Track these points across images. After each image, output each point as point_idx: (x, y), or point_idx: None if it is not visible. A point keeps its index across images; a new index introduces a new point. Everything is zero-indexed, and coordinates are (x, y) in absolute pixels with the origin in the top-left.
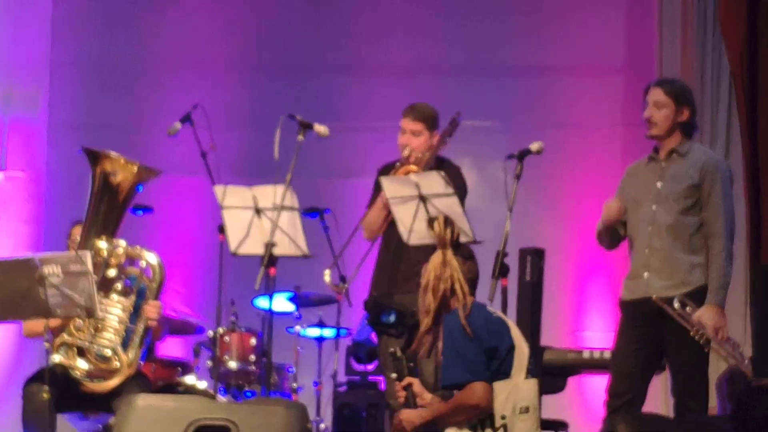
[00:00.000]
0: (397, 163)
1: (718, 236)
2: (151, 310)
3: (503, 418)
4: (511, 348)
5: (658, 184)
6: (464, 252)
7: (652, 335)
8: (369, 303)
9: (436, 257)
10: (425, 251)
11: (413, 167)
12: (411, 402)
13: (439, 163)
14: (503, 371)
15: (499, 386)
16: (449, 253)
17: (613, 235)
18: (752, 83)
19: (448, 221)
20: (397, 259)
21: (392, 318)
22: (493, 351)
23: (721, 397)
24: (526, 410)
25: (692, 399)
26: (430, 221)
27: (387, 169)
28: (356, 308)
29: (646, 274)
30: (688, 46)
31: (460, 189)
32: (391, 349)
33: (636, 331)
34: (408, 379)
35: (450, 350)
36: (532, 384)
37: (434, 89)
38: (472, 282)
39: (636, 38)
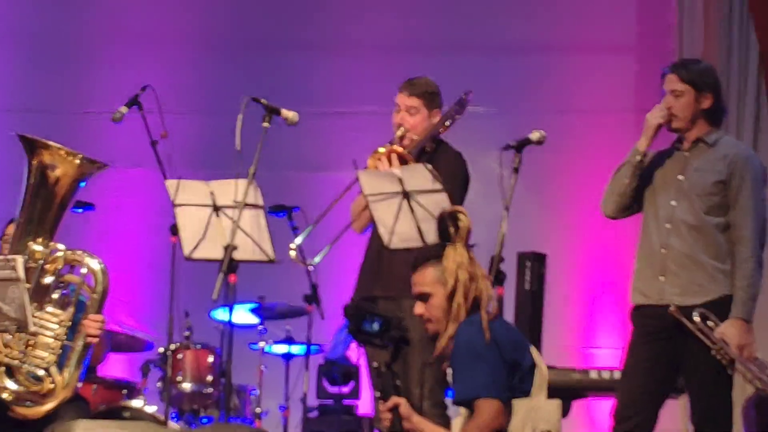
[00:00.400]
0: (386, 144)
1: (745, 241)
2: (92, 325)
3: None
4: (533, 366)
5: (680, 177)
6: None
7: (669, 351)
8: (350, 308)
9: (460, 255)
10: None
11: (399, 149)
12: (397, 426)
13: (435, 147)
14: (523, 389)
15: (516, 404)
16: (471, 251)
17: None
18: None
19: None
20: (381, 257)
21: (375, 326)
22: (514, 365)
23: (747, 425)
24: None
25: (714, 427)
26: (452, 214)
27: None
28: (329, 321)
29: (662, 278)
30: (710, 22)
31: (459, 179)
32: (375, 364)
33: (650, 345)
34: (394, 399)
35: (464, 362)
36: (555, 406)
37: (420, 69)
38: None
39: (650, 12)
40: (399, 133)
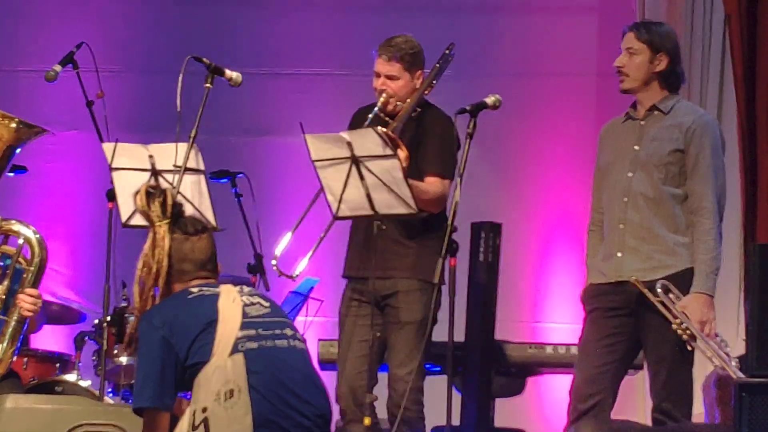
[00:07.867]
0: (372, 113)
1: (705, 212)
2: (28, 300)
3: (204, 410)
4: (211, 323)
5: (636, 147)
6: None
7: (630, 327)
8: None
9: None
10: (408, 227)
11: (390, 133)
12: None
13: (422, 110)
14: (198, 361)
15: (199, 377)
16: (162, 229)
17: None
18: (751, 26)
19: (156, 192)
20: (370, 237)
21: None
22: (183, 351)
23: (708, 402)
24: (231, 394)
25: (673, 403)
26: (148, 193)
27: (360, 116)
28: (274, 292)
29: (620, 254)
30: None
31: (449, 141)
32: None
33: (611, 321)
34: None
35: (138, 365)
36: (238, 360)
37: (368, 27)
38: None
39: None
40: (382, 100)
